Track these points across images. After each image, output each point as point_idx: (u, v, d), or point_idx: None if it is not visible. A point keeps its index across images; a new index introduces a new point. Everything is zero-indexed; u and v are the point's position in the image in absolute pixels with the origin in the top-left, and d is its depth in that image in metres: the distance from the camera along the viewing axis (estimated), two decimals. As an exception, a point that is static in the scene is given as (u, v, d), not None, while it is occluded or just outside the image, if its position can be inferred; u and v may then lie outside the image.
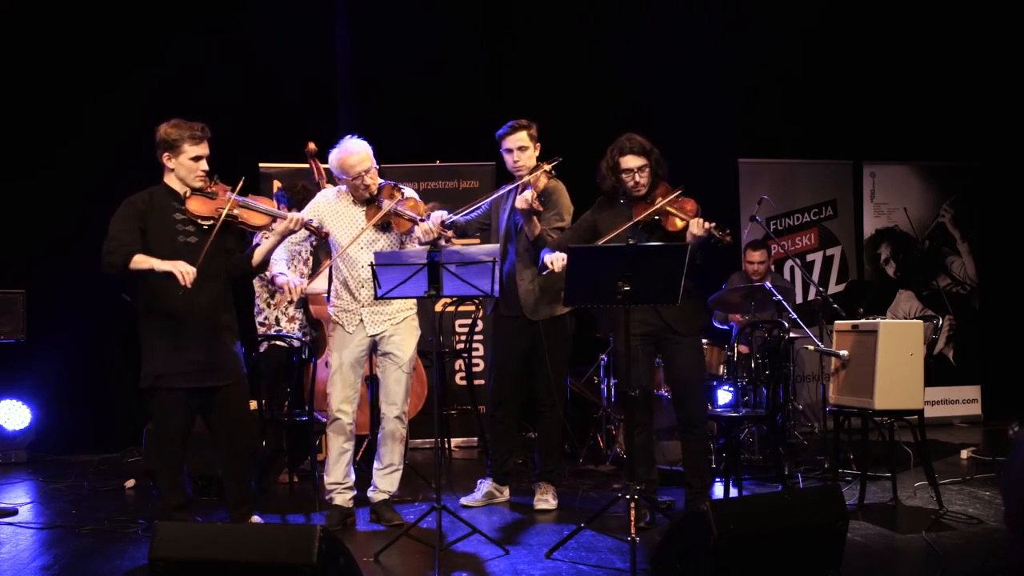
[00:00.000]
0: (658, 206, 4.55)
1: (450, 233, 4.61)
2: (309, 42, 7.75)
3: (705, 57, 7.86)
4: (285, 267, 4.69)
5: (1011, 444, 4.77)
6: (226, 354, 4.27)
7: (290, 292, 4.43)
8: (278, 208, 5.92)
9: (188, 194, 4.19)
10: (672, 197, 4.55)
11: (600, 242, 4.49)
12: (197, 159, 4.18)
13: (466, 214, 5.03)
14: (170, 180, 4.23)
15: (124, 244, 4.09)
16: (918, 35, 8.23)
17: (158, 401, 4.18)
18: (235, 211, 4.19)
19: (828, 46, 8.24)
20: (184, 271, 3.97)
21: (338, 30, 7.85)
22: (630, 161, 4.62)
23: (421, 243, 4.59)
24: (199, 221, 4.19)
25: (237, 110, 6.94)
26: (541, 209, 4.89)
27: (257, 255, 4.36)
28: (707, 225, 4.41)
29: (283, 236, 4.33)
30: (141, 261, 4.06)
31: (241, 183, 4.24)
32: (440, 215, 4.62)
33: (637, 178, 4.63)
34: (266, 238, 4.38)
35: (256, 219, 4.26)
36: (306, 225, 4.32)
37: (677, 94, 7.49)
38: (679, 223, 4.51)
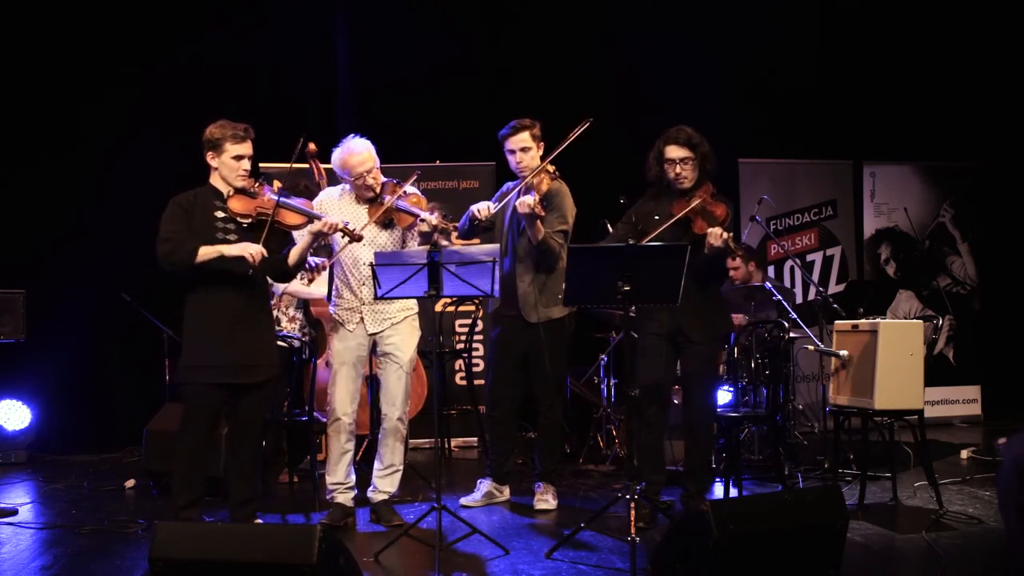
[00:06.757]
0: (693, 205, 4.53)
1: (452, 225, 4.58)
2: (310, 42, 7.74)
3: (705, 57, 7.86)
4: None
5: (1000, 454, 4.79)
6: (265, 354, 4.36)
7: (313, 271, 4.49)
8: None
9: (231, 193, 4.30)
10: (707, 198, 4.53)
11: (645, 240, 4.43)
12: (239, 158, 4.29)
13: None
14: (215, 180, 4.34)
15: (183, 241, 4.17)
16: (918, 35, 8.24)
17: (190, 394, 4.23)
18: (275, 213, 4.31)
19: (828, 46, 8.24)
20: (252, 252, 4.12)
21: (339, 29, 7.86)
22: (673, 151, 4.59)
23: (422, 236, 4.59)
24: (239, 219, 4.28)
25: (237, 110, 6.93)
26: (543, 214, 4.86)
27: (293, 255, 4.41)
28: (725, 236, 4.38)
29: (316, 237, 4.38)
30: (208, 252, 4.15)
31: (277, 184, 4.40)
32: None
33: (678, 169, 4.58)
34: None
35: (292, 218, 4.35)
36: (341, 229, 4.35)
37: (677, 94, 7.47)
38: (704, 228, 4.48)
